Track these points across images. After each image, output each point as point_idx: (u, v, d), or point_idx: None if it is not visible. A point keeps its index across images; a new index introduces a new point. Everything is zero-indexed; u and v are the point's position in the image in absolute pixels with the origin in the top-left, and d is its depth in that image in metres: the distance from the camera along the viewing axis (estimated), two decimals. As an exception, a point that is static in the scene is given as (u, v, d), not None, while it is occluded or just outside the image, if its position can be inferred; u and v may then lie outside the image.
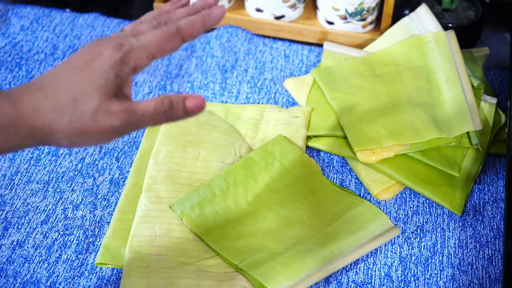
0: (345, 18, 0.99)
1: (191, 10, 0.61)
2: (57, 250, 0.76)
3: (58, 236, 0.78)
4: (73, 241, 0.77)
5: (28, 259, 0.76)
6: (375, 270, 0.75)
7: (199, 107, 0.56)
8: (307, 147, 0.87)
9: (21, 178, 0.83)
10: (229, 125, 0.88)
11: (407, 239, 0.78)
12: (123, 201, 0.80)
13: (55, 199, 0.81)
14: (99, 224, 0.79)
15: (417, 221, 0.80)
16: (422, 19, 0.94)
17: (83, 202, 0.81)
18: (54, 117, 0.53)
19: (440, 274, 0.75)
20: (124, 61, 0.55)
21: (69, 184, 0.83)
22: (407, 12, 1.05)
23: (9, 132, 0.53)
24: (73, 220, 0.79)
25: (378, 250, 0.77)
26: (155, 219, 0.76)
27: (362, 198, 0.82)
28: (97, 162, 0.85)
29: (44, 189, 0.82)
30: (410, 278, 0.74)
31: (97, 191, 0.82)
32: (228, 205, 0.78)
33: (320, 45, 1.03)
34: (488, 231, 0.79)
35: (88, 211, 0.80)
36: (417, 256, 0.76)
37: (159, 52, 0.57)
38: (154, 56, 0.56)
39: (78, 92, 0.53)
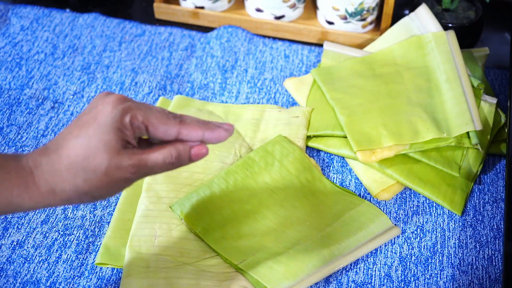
0: (345, 18, 0.99)
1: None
2: (57, 250, 0.76)
3: (58, 236, 0.78)
4: (73, 241, 0.77)
5: (28, 259, 0.76)
6: (375, 270, 0.75)
7: (203, 155, 0.61)
8: (307, 147, 0.87)
9: (21, 178, 0.83)
10: (229, 125, 0.88)
11: (407, 239, 0.78)
12: (123, 201, 0.80)
13: (55, 199, 0.81)
14: (99, 224, 0.79)
15: (417, 221, 0.80)
16: (422, 19, 0.94)
17: (83, 202, 0.81)
18: (70, 177, 0.56)
19: (440, 274, 0.75)
20: (125, 113, 0.57)
21: (69, 184, 0.83)
22: (407, 12, 1.05)
23: (33, 192, 0.56)
24: (73, 220, 0.79)
25: (378, 250, 0.77)
26: (155, 219, 0.76)
27: (362, 198, 0.82)
28: (97, 162, 0.85)
29: (44, 189, 0.82)
30: (410, 278, 0.74)
31: (97, 191, 0.82)
32: (228, 205, 0.78)
33: (320, 45, 1.03)
34: (488, 231, 0.79)
35: (88, 211, 0.80)
36: (417, 256, 0.76)
37: (155, 126, 0.58)
38: (147, 125, 0.58)
39: (88, 150, 0.56)
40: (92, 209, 0.80)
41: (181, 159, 0.59)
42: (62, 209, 0.80)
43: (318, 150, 0.87)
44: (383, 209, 0.81)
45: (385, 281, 0.74)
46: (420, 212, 0.81)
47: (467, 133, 0.83)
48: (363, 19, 0.99)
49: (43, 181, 0.56)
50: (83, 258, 0.76)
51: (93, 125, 0.56)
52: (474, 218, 0.80)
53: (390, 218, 0.79)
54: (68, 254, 0.76)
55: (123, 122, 0.57)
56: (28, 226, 0.79)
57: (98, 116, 0.57)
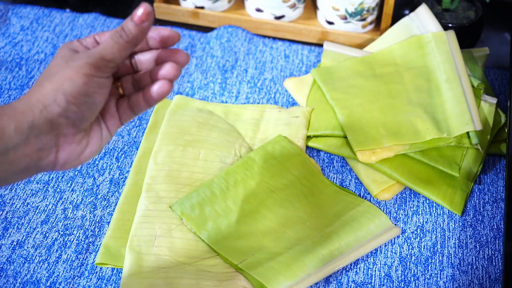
0: (345, 18, 0.99)
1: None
2: (57, 250, 0.76)
3: (58, 236, 0.78)
4: (73, 241, 0.77)
5: (28, 259, 0.76)
6: (375, 270, 0.75)
7: (146, 13, 0.57)
8: (307, 147, 0.87)
9: (21, 178, 0.83)
10: (229, 125, 0.88)
11: (407, 239, 0.78)
12: (123, 201, 0.80)
13: (55, 199, 0.81)
14: (99, 224, 0.79)
15: (417, 221, 0.80)
16: (422, 19, 0.94)
17: (83, 202, 0.81)
18: (53, 91, 0.55)
19: (440, 274, 0.75)
20: (71, 41, 0.59)
21: (69, 184, 0.83)
22: (407, 12, 1.05)
23: (11, 108, 0.54)
24: (73, 220, 0.79)
25: (378, 250, 0.77)
26: (155, 219, 0.76)
27: (362, 198, 0.82)
28: (97, 162, 0.85)
29: (44, 189, 0.82)
30: (410, 278, 0.74)
31: (97, 191, 0.82)
32: (228, 205, 0.78)
33: (320, 45, 1.03)
34: (488, 231, 0.79)
35: (88, 211, 0.80)
36: (417, 256, 0.76)
37: (100, 35, 0.60)
38: (95, 36, 0.60)
39: (49, 68, 0.57)
40: (92, 209, 0.80)
41: (126, 28, 0.57)
42: (62, 209, 0.80)
43: (318, 150, 0.87)
44: (383, 209, 0.81)
45: (385, 281, 0.74)
46: (420, 212, 0.81)
47: (467, 133, 0.83)
48: (363, 19, 0.99)
49: (15, 102, 0.55)
50: (83, 258, 0.76)
51: (52, 63, 0.58)
52: (474, 218, 0.80)
53: (390, 218, 0.79)
54: (68, 254, 0.76)
55: (72, 44, 0.58)
56: (28, 226, 0.79)
57: (54, 57, 0.59)
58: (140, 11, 0.56)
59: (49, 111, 0.54)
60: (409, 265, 0.75)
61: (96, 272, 0.74)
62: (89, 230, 0.78)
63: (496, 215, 0.80)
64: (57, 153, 0.56)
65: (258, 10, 1.03)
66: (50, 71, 0.57)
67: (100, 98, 0.58)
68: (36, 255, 0.76)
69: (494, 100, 0.88)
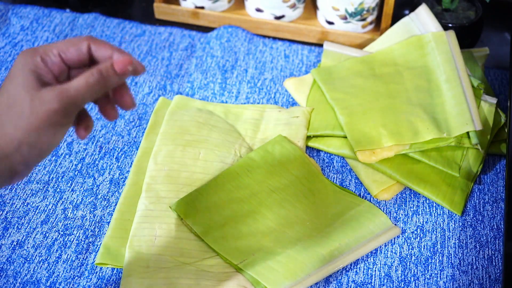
0: (345, 18, 0.99)
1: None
2: (57, 250, 0.76)
3: (58, 236, 0.78)
4: (73, 241, 0.77)
5: (28, 259, 0.76)
6: (375, 270, 0.75)
7: (128, 64, 0.57)
8: (307, 147, 0.87)
9: (21, 178, 0.83)
10: (229, 125, 0.88)
11: (407, 239, 0.78)
12: (123, 201, 0.80)
13: (55, 199, 0.81)
14: (99, 224, 0.79)
15: (417, 221, 0.80)
16: (422, 19, 0.94)
17: (83, 202, 0.81)
18: (1, 130, 0.54)
19: (440, 274, 0.75)
20: (34, 55, 0.56)
21: (69, 184, 0.83)
22: (407, 12, 1.05)
23: None
24: (73, 220, 0.79)
25: (378, 250, 0.77)
26: (155, 219, 0.76)
27: (362, 198, 0.82)
28: (97, 162, 0.85)
29: (44, 189, 0.82)
30: (410, 278, 0.74)
31: (97, 191, 0.82)
32: (228, 205, 0.78)
33: (320, 45, 1.03)
34: (488, 231, 0.79)
35: (88, 211, 0.80)
36: (417, 256, 0.76)
37: (65, 51, 0.58)
38: (60, 52, 0.58)
39: (9, 98, 0.54)
40: (92, 209, 0.80)
41: (104, 74, 0.56)
42: (62, 209, 0.80)
43: (318, 150, 0.87)
44: (383, 209, 0.81)
45: (385, 281, 0.74)
46: (420, 212, 0.81)
47: (467, 133, 0.83)
48: (363, 19, 0.99)
49: None
50: (83, 258, 0.76)
51: (9, 79, 0.56)
52: (474, 218, 0.80)
53: (390, 218, 0.80)
54: (68, 254, 0.76)
55: (34, 63, 0.56)
56: (28, 226, 0.79)
57: (12, 70, 0.56)
58: (122, 61, 0.56)
59: (10, 160, 0.54)
60: (409, 265, 0.75)
61: (96, 272, 0.74)
62: (89, 230, 0.78)
63: (496, 215, 0.80)
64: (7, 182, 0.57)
65: (258, 10, 1.03)
66: (9, 101, 0.54)
67: (62, 138, 0.57)
68: (36, 255, 0.76)
69: (494, 100, 0.88)
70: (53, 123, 0.55)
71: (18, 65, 0.56)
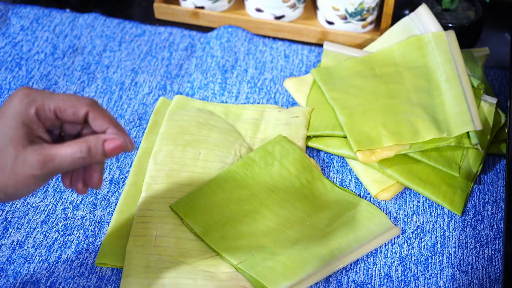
0: (345, 18, 0.99)
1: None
2: (57, 250, 0.76)
3: (58, 236, 0.78)
4: (73, 241, 0.77)
5: (28, 259, 0.76)
6: (375, 270, 0.75)
7: (119, 149, 0.58)
8: (307, 147, 0.87)
9: (21, 178, 0.83)
10: (229, 125, 0.88)
11: (407, 239, 0.78)
12: (123, 201, 0.80)
13: (55, 199, 0.81)
14: (99, 224, 0.79)
15: (417, 221, 0.80)
16: (422, 19, 0.94)
17: (83, 202, 0.81)
18: None
19: (440, 274, 0.75)
20: (30, 105, 0.56)
21: (69, 184, 0.83)
22: (407, 12, 1.05)
23: None
24: (73, 220, 0.79)
25: (378, 250, 0.77)
26: (155, 219, 0.76)
27: (362, 198, 0.82)
28: (97, 162, 0.85)
29: (44, 189, 0.82)
30: (410, 278, 0.74)
31: (97, 191, 0.82)
32: (228, 205, 0.78)
33: (320, 45, 1.03)
34: (488, 231, 0.79)
35: (88, 211, 0.80)
36: (417, 256, 0.76)
37: (62, 111, 0.58)
38: (56, 110, 0.58)
39: None
40: (92, 209, 0.80)
41: (93, 153, 0.57)
42: (62, 209, 0.80)
43: (318, 150, 0.87)
44: (383, 209, 0.81)
45: (385, 281, 0.74)
46: (420, 212, 0.81)
47: (467, 133, 0.83)
48: (363, 19, 0.99)
49: None
50: (83, 258, 0.76)
51: (1, 119, 0.56)
52: (474, 218, 0.80)
53: (390, 218, 0.80)
54: (68, 254, 0.76)
55: (28, 116, 0.56)
56: (28, 226, 0.79)
57: (5, 112, 0.56)
58: (114, 144, 0.58)
59: None
60: (409, 265, 0.75)
61: (96, 272, 0.74)
62: (89, 230, 0.78)
63: (496, 215, 0.80)
64: None
65: (258, 10, 1.03)
66: None
67: (36, 190, 0.60)
68: (36, 255, 0.76)
69: (494, 100, 0.88)
70: (31, 184, 0.57)
71: (11, 109, 0.56)
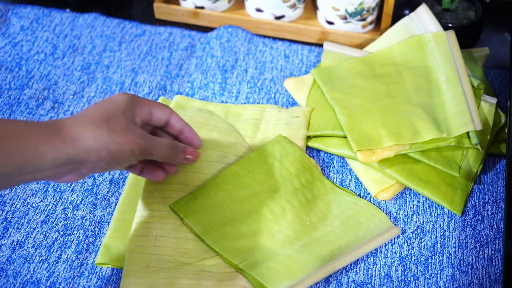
0: (345, 18, 0.99)
1: None
2: (57, 250, 0.76)
3: (58, 236, 0.78)
4: (73, 241, 0.77)
5: (28, 259, 0.76)
6: (375, 270, 0.75)
7: (194, 159, 0.74)
8: (307, 147, 0.87)
9: (21, 178, 0.83)
10: (229, 125, 0.88)
11: (407, 239, 0.78)
12: (123, 201, 0.80)
13: (55, 199, 0.81)
14: (99, 224, 0.79)
15: (417, 221, 0.80)
16: (422, 19, 0.94)
17: (83, 202, 0.81)
18: (95, 129, 0.62)
19: (440, 274, 0.75)
20: (131, 101, 0.68)
21: (69, 184, 0.83)
22: (407, 12, 1.05)
23: (54, 139, 0.60)
24: (73, 220, 0.79)
25: (378, 250, 0.77)
26: (155, 219, 0.76)
27: (362, 198, 0.82)
28: (97, 162, 0.85)
29: (44, 189, 0.82)
30: (410, 278, 0.74)
31: (97, 191, 0.82)
32: (228, 205, 0.78)
33: (320, 45, 1.03)
34: (488, 231, 0.79)
35: (88, 211, 0.80)
36: (417, 256, 0.76)
37: (155, 119, 0.71)
38: (151, 117, 0.70)
39: (108, 113, 0.64)
40: (92, 209, 0.80)
41: (178, 156, 0.71)
42: (62, 209, 0.80)
43: (318, 150, 0.87)
44: (383, 209, 0.81)
45: (385, 281, 0.74)
46: (420, 212, 0.81)
47: (467, 133, 0.83)
48: (363, 19, 0.99)
49: (65, 131, 0.61)
50: (83, 258, 0.76)
51: (109, 101, 0.66)
52: (474, 218, 0.80)
53: (390, 218, 0.80)
54: (68, 254, 0.76)
55: (133, 105, 0.67)
56: (28, 226, 0.79)
57: (113, 98, 0.67)
58: (194, 154, 0.73)
59: (86, 166, 0.63)
60: (409, 265, 0.75)
61: (96, 272, 0.74)
62: (89, 230, 0.78)
63: (496, 215, 0.80)
64: (63, 178, 0.64)
65: (258, 10, 1.03)
66: (108, 118, 0.64)
67: (123, 169, 0.70)
68: (36, 255, 0.76)
69: (494, 100, 0.88)
70: (124, 159, 0.65)
71: (121, 97, 0.67)
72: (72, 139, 0.61)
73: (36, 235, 0.78)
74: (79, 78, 0.97)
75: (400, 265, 0.75)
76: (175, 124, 0.73)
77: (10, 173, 0.58)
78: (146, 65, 0.99)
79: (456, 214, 0.80)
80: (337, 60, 0.95)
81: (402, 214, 0.80)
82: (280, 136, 0.85)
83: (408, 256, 0.76)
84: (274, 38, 1.04)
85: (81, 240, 0.77)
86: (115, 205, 0.81)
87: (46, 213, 0.80)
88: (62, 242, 0.77)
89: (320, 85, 0.91)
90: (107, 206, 0.81)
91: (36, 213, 0.80)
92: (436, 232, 0.79)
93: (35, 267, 0.75)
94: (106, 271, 0.75)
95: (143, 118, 0.69)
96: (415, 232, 0.79)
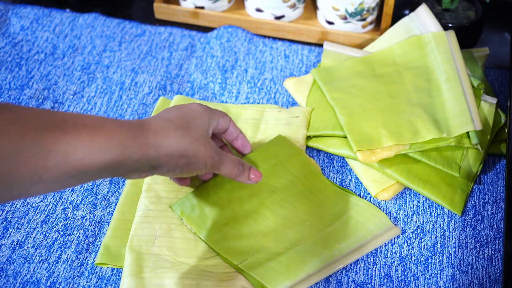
0: (345, 18, 0.99)
1: None
2: (57, 250, 0.76)
3: (58, 236, 0.78)
4: (73, 241, 0.77)
5: (28, 259, 0.76)
6: (375, 270, 0.75)
7: (256, 180, 0.74)
8: (307, 147, 0.87)
9: (21, 178, 0.83)
10: (229, 125, 0.88)
11: (407, 239, 0.78)
12: (123, 201, 0.80)
13: (55, 199, 0.81)
14: (99, 224, 0.79)
15: (417, 221, 0.80)
16: (422, 19, 0.94)
17: (83, 202, 0.81)
18: (177, 136, 0.64)
19: (440, 274, 0.75)
20: (208, 113, 0.70)
21: (69, 184, 0.83)
22: (407, 12, 1.05)
23: (141, 142, 0.61)
24: (73, 220, 0.79)
25: (378, 250, 0.77)
26: (155, 219, 0.76)
27: (362, 198, 0.82)
28: (97, 162, 0.85)
29: (44, 189, 0.82)
30: (410, 278, 0.74)
31: (97, 191, 0.82)
32: (228, 205, 0.78)
33: (320, 45, 1.03)
34: (488, 231, 0.79)
35: (88, 211, 0.80)
36: (417, 256, 0.76)
37: (220, 128, 0.73)
38: (218, 127, 0.73)
39: (190, 121, 0.66)
40: (92, 209, 0.80)
41: (243, 169, 0.72)
42: (62, 209, 0.80)
43: (318, 150, 0.87)
44: (383, 209, 0.81)
45: (385, 281, 0.74)
46: (420, 212, 0.81)
47: (467, 133, 0.83)
48: (363, 19, 0.99)
49: (151, 133, 0.62)
50: (83, 258, 0.76)
51: (188, 109, 0.68)
52: (474, 218, 0.80)
53: (390, 218, 0.80)
54: (68, 254, 0.76)
55: (208, 116, 0.69)
56: (28, 226, 0.79)
57: (190, 106, 0.68)
58: (257, 176, 0.74)
59: (160, 169, 0.64)
60: (409, 265, 0.75)
61: (96, 272, 0.74)
62: (89, 230, 0.78)
63: (496, 215, 0.80)
64: (131, 176, 0.64)
65: (258, 10, 1.03)
66: (189, 126, 0.66)
67: (187, 176, 0.71)
68: (36, 255, 0.76)
69: (494, 100, 0.88)
70: (200, 168, 0.67)
71: (201, 109, 0.69)
72: (157, 144, 0.62)
73: (36, 235, 0.78)
74: (79, 78, 0.97)
75: (400, 265, 0.75)
76: (232, 131, 0.76)
77: (96, 169, 0.57)
78: (146, 65, 0.99)
79: (456, 214, 0.80)
80: (337, 60, 0.95)
81: (402, 214, 0.80)
82: (280, 136, 0.85)
83: (408, 256, 0.76)
84: (274, 38, 1.04)
85: (81, 240, 0.77)
86: (115, 205, 0.81)
87: (46, 213, 0.80)
88: (62, 242, 0.77)
89: (320, 85, 0.91)
90: (107, 206, 0.81)
91: (36, 213, 0.80)
92: (436, 232, 0.79)
93: (35, 267, 0.75)
94: (106, 271, 0.75)
95: (213, 129, 0.71)
96: (415, 232, 0.79)
